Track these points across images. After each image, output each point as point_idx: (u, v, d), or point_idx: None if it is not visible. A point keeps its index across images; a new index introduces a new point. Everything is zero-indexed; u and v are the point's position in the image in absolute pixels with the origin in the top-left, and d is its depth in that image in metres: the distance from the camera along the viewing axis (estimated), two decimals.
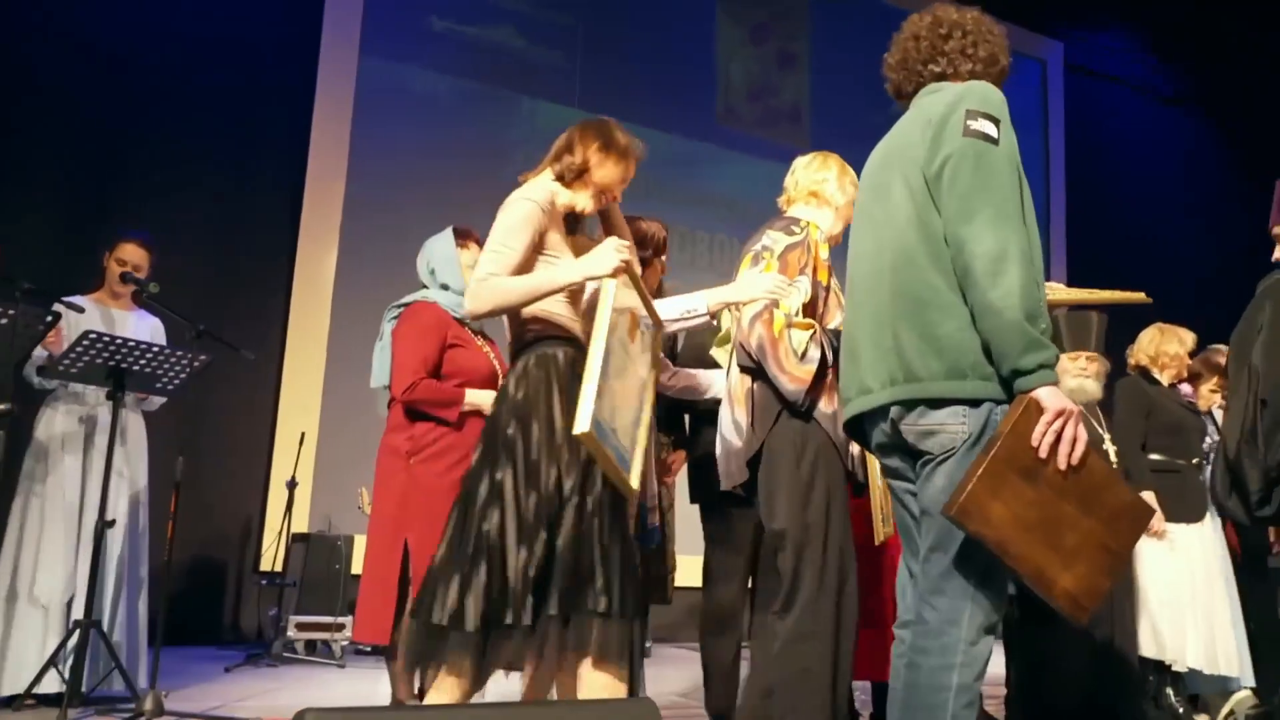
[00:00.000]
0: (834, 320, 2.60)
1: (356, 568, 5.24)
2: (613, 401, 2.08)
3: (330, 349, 5.92)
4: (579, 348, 2.25)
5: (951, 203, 1.74)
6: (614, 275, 2.14)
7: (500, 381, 3.09)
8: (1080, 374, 3.74)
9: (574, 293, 2.29)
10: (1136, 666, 3.35)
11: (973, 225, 1.71)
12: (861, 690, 3.35)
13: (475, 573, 2.05)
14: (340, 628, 4.92)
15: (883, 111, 7.59)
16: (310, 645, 4.97)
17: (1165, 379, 4.10)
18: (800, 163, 2.82)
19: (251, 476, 5.72)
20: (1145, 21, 9.52)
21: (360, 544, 5.26)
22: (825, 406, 2.46)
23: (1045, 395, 1.67)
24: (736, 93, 7.62)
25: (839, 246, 2.55)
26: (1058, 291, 2.52)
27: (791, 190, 2.79)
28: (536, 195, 2.25)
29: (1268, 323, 2.35)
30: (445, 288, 3.11)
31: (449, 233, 3.19)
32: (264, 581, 5.32)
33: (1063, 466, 1.68)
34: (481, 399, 3.02)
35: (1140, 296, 2.40)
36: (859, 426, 1.94)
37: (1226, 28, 9.45)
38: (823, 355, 2.44)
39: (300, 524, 5.52)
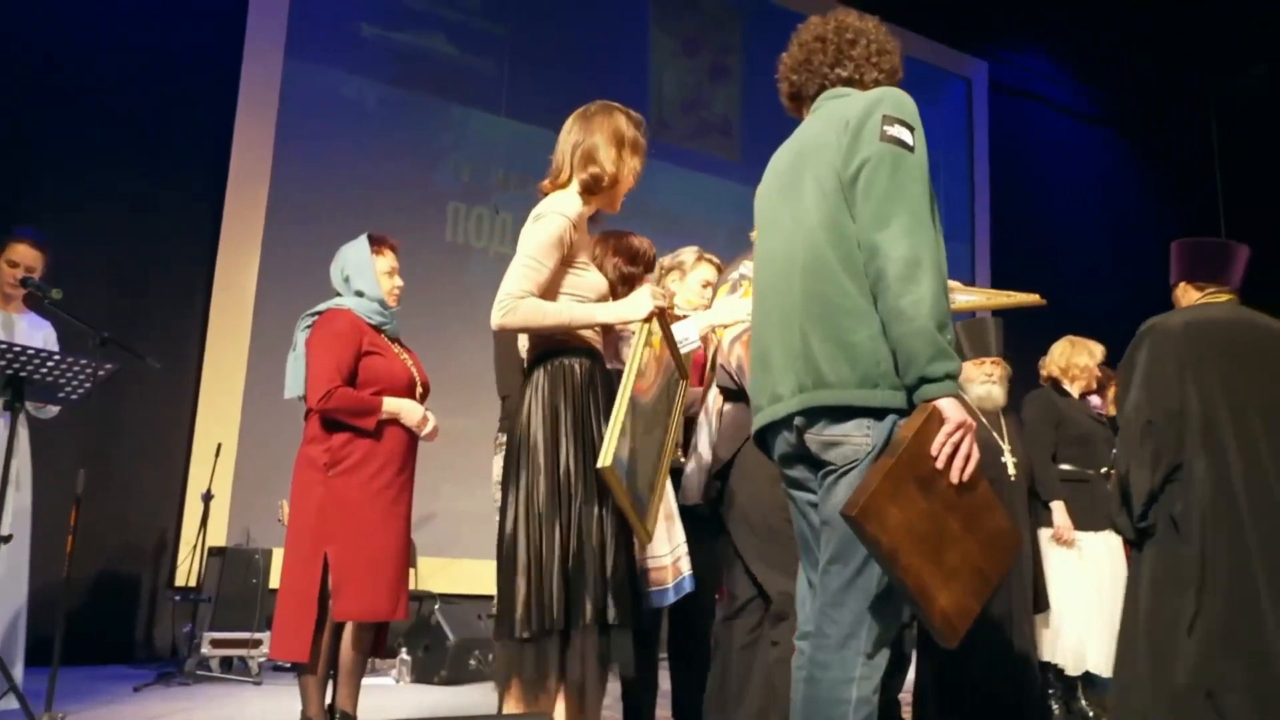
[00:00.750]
0: None
1: (275, 582, 5.12)
2: (633, 444, 2.12)
3: (251, 358, 5.78)
4: (597, 360, 2.32)
5: (867, 208, 1.74)
6: (647, 320, 2.21)
7: (419, 390, 3.08)
8: (987, 380, 3.81)
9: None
10: (1036, 670, 3.42)
11: (888, 231, 1.70)
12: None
13: (549, 580, 2.15)
14: (257, 644, 4.80)
15: None
16: (226, 663, 4.83)
17: (1075, 390, 4.21)
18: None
19: (167, 489, 5.55)
20: (1066, 45, 9.80)
21: (280, 558, 5.15)
22: None
23: (948, 406, 1.67)
24: (669, 104, 7.65)
25: None
26: (956, 290, 2.56)
27: None
28: (569, 210, 2.26)
29: (1143, 361, 2.68)
30: (360, 294, 3.05)
31: (364, 239, 3.13)
32: (178, 597, 5.16)
33: (955, 480, 1.67)
34: (400, 407, 2.97)
35: (1034, 299, 2.45)
36: (763, 435, 1.92)
37: (1140, 54, 9.78)
38: None
39: (218, 537, 5.37)
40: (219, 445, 5.33)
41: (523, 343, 2.46)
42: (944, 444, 1.66)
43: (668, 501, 2.56)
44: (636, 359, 2.15)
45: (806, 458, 1.82)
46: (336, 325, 2.96)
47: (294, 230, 5.97)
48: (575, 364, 2.27)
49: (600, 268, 2.60)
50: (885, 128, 1.77)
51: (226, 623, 4.81)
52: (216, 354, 5.72)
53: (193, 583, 5.15)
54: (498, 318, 2.21)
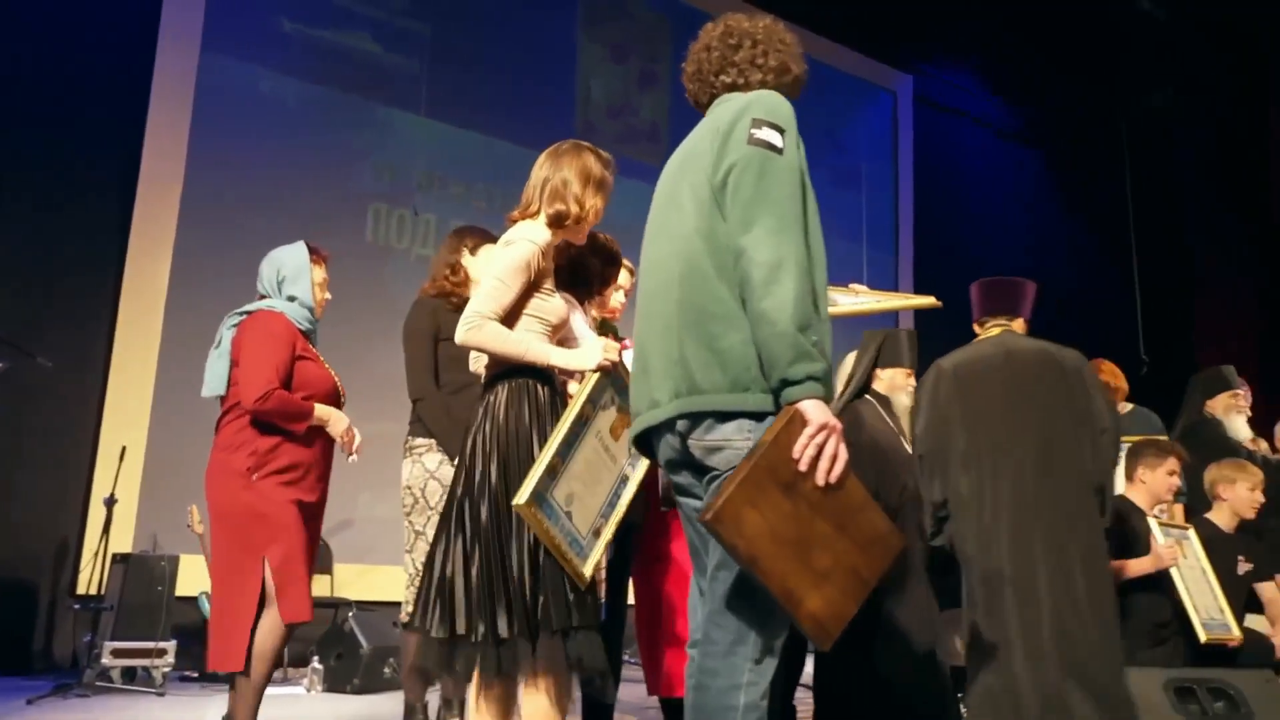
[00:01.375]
0: None
1: (182, 589, 5.00)
2: (571, 488, 2.26)
3: (162, 360, 5.61)
4: (554, 386, 2.43)
5: (734, 212, 1.74)
6: (596, 370, 2.38)
7: (341, 399, 3.03)
8: (903, 389, 3.87)
9: (557, 332, 2.46)
10: (947, 674, 3.48)
11: (752, 234, 1.71)
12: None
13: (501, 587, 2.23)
14: (162, 653, 4.65)
15: None
16: (128, 673, 4.67)
17: None
18: None
19: (69, 494, 5.36)
20: (989, 62, 10.05)
21: (188, 564, 5.02)
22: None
23: (810, 408, 1.66)
24: (596, 109, 7.65)
25: None
26: (861, 292, 2.59)
27: None
28: (538, 237, 2.39)
29: (922, 401, 3.21)
30: (292, 299, 2.99)
31: (302, 245, 3.08)
32: (78, 605, 4.98)
33: (821, 483, 1.66)
34: (329, 414, 2.94)
35: (930, 301, 2.49)
36: (648, 441, 1.92)
37: (1059, 73, 10.08)
38: None
39: (122, 544, 5.19)
40: (123, 448, 5.16)
41: (480, 358, 2.54)
42: (805, 445, 1.65)
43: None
44: (577, 405, 2.29)
45: (691, 463, 1.82)
46: (273, 326, 2.89)
47: (209, 230, 5.81)
48: (538, 386, 2.38)
49: (584, 265, 2.72)
50: (753, 131, 1.77)
51: (129, 632, 4.66)
52: (125, 355, 5.55)
53: (94, 590, 4.98)
54: (463, 334, 2.33)
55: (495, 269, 2.37)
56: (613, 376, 2.42)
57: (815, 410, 1.66)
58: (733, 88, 1.95)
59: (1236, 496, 3.97)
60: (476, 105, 6.92)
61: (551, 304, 2.45)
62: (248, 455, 2.81)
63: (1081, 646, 2.86)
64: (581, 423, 2.30)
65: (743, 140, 1.77)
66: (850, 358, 3.94)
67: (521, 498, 2.16)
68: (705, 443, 1.76)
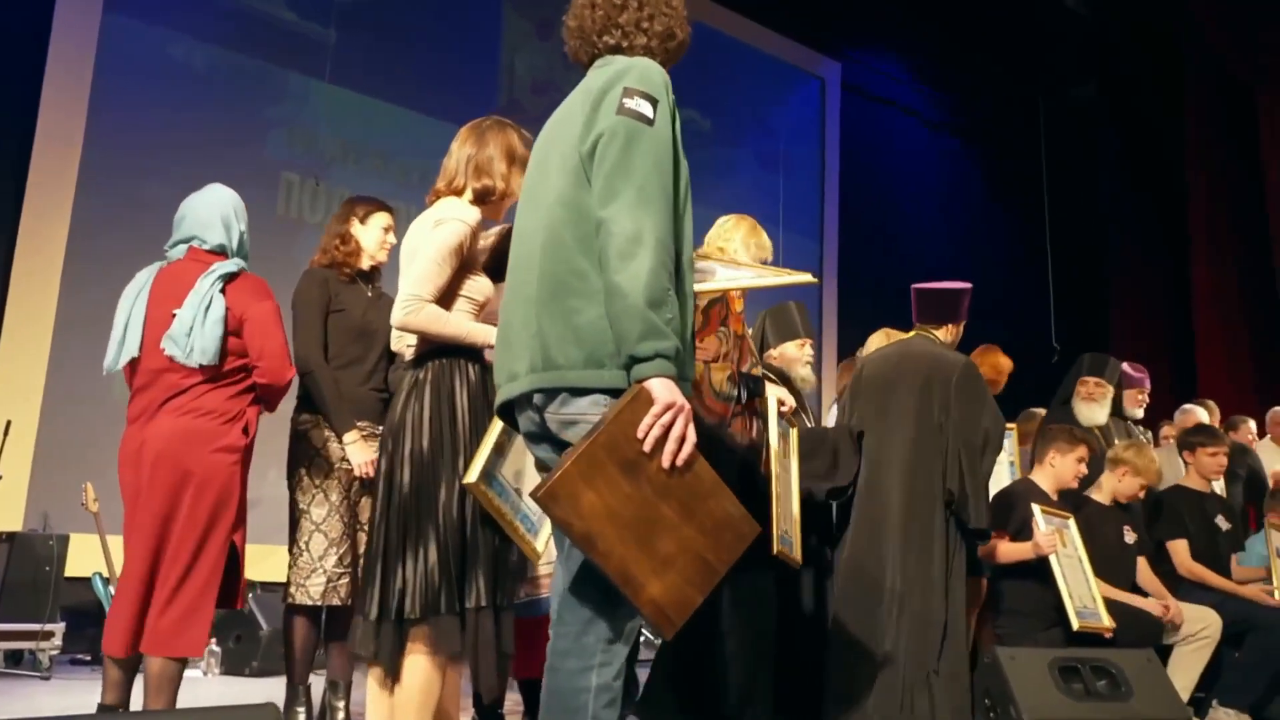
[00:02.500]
0: (748, 364, 3.01)
1: (73, 569, 4.82)
2: (519, 464, 2.30)
3: (56, 333, 5.39)
4: (484, 363, 2.42)
5: (598, 182, 1.70)
6: None
7: None
8: (809, 362, 3.90)
9: (483, 310, 2.46)
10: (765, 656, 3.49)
11: (612, 206, 1.67)
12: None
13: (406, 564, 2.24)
14: (48, 635, 4.48)
15: None
16: (13, 656, 4.50)
17: None
18: (717, 222, 3.17)
19: None
20: (916, 50, 10.14)
21: (80, 544, 4.83)
22: (741, 438, 2.86)
23: (657, 386, 1.62)
24: (521, 86, 7.53)
25: None
26: (742, 264, 2.59)
27: (705, 248, 3.10)
28: (469, 218, 2.40)
29: (851, 391, 3.56)
30: (245, 258, 2.82)
31: (233, 192, 2.88)
32: None
33: (666, 465, 1.61)
34: None
35: (807, 277, 2.50)
36: (511, 414, 1.88)
37: (985, 64, 10.22)
38: (738, 392, 2.86)
39: (11, 522, 4.99)
40: (8, 423, 4.95)
41: (404, 336, 2.51)
42: (650, 425, 1.60)
43: None
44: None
45: (550, 437, 1.79)
46: (273, 296, 2.79)
47: (108, 201, 5.59)
48: (468, 364, 2.39)
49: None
50: (625, 100, 1.72)
51: (14, 613, 4.48)
52: (14, 327, 5.32)
53: None
54: (401, 316, 2.32)
55: (429, 250, 2.35)
56: None
57: (662, 389, 1.62)
58: (615, 50, 1.89)
59: (1126, 482, 4.06)
60: (397, 77, 6.76)
61: (480, 283, 2.46)
62: (242, 432, 2.67)
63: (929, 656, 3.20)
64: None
65: (613, 109, 1.73)
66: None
67: (471, 476, 2.19)
68: (561, 416, 1.73)
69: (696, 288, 2.01)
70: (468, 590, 2.25)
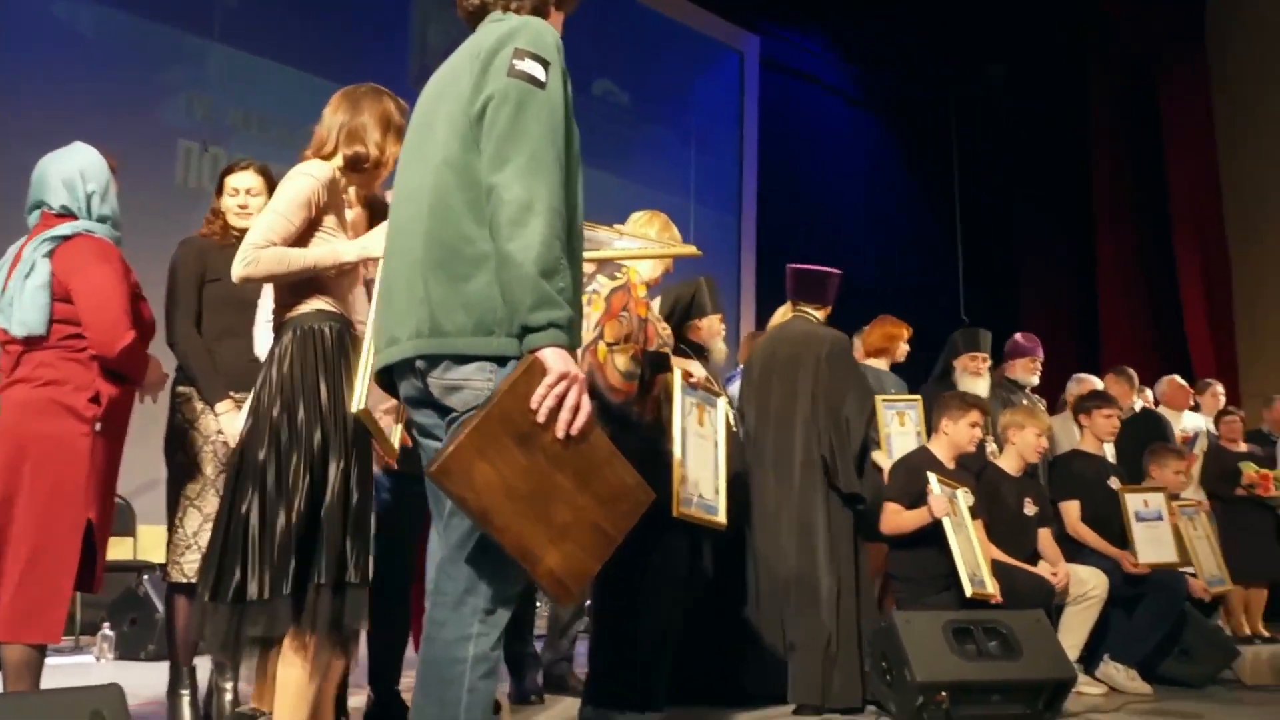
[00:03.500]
0: (655, 345, 3.13)
1: None
2: None
3: None
4: (346, 325, 2.34)
5: (488, 146, 1.65)
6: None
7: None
8: (718, 335, 3.91)
9: (343, 274, 2.36)
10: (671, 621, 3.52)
11: (504, 172, 1.62)
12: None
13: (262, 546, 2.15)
14: None
15: (583, 89, 7.54)
16: None
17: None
18: (631, 217, 3.27)
19: None
20: (834, 27, 10.20)
21: None
22: (648, 416, 3.02)
23: (550, 356, 1.59)
24: (432, 53, 7.36)
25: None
26: (626, 234, 2.58)
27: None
28: (319, 172, 2.31)
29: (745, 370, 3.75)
30: (104, 220, 2.60)
31: (94, 150, 2.66)
32: None
33: (561, 435, 1.59)
34: (157, 366, 2.69)
35: (691, 250, 2.50)
36: (390, 379, 1.83)
37: (900, 41, 10.33)
38: (642, 373, 2.98)
39: None
40: None
41: (266, 308, 2.46)
42: (544, 395, 1.58)
43: None
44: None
45: (432, 402, 1.75)
46: (110, 256, 2.54)
47: None
48: (325, 329, 2.29)
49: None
50: (515, 62, 1.67)
51: None
52: None
53: None
54: (240, 269, 2.23)
55: (274, 203, 2.29)
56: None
57: (556, 359, 1.59)
58: (506, 5, 1.83)
59: (1024, 442, 4.16)
60: (304, 44, 6.55)
61: (334, 243, 2.37)
62: (89, 401, 2.47)
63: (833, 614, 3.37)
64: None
65: (503, 71, 1.67)
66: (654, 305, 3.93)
67: (358, 404, 2.21)
68: (444, 382, 1.68)
69: (587, 256, 1.95)
70: (313, 569, 2.17)
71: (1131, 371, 6.26)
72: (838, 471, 3.50)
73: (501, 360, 1.66)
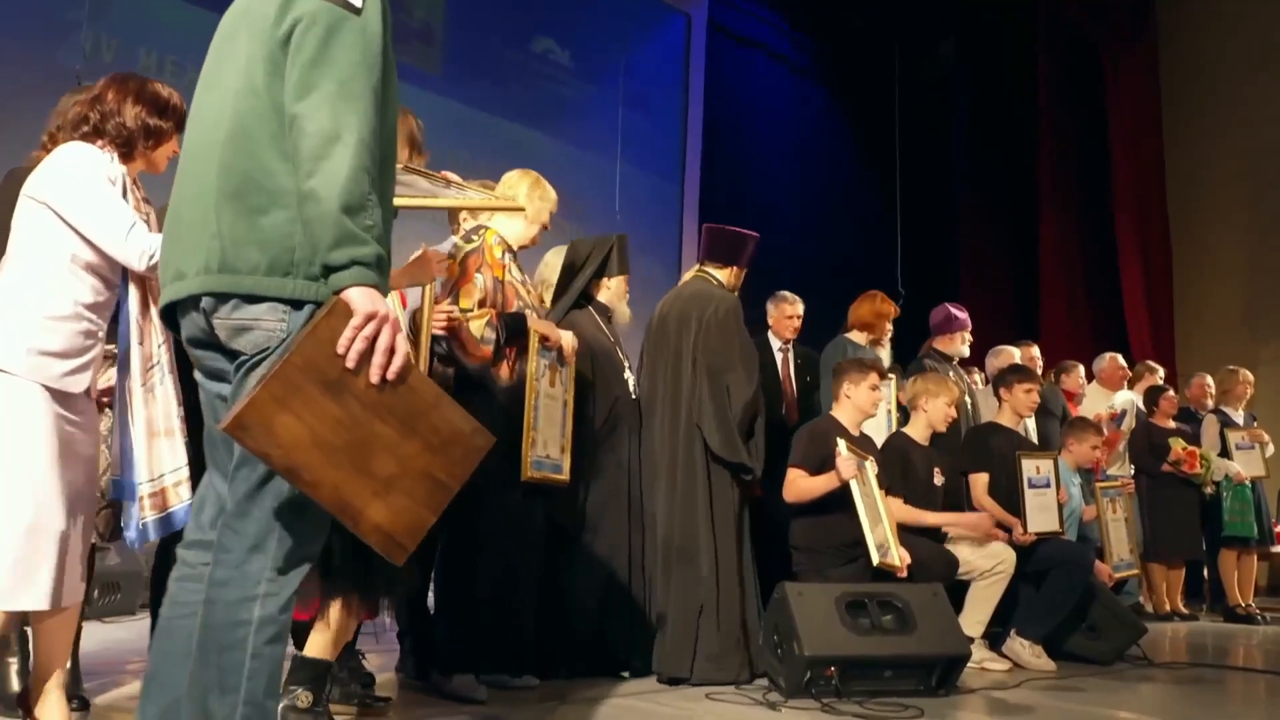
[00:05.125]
0: (515, 307, 3.13)
1: None
2: None
3: None
4: None
5: (293, 73, 1.52)
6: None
7: None
8: (625, 298, 3.78)
9: None
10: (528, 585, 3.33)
11: (308, 101, 1.49)
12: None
13: None
14: None
15: (522, 46, 7.24)
16: None
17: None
18: (504, 177, 3.27)
19: None
20: None
21: None
22: (508, 379, 3.02)
23: (356, 296, 1.47)
24: None
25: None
26: (453, 183, 2.40)
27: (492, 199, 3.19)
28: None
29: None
30: None
31: None
32: None
33: (376, 380, 1.47)
34: None
35: (515, 204, 2.38)
36: (172, 315, 1.66)
37: (853, 14, 10.18)
38: (497, 337, 2.99)
39: None
40: None
41: None
42: (352, 339, 1.45)
43: (169, 416, 2.23)
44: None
45: (217, 344, 1.59)
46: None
47: None
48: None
49: (118, 115, 2.35)
50: None
51: None
52: None
53: None
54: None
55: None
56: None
57: (363, 299, 1.47)
58: None
59: (934, 409, 4.05)
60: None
61: None
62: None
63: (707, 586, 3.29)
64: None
65: None
66: (553, 260, 3.75)
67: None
68: (232, 322, 1.54)
69: (396, 201, 1.87)
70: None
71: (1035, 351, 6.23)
72: (714, 436, 3.38)
73: (298, 304, 1.52)
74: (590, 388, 3.50)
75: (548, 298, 3.68)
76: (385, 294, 1.51)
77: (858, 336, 4.86)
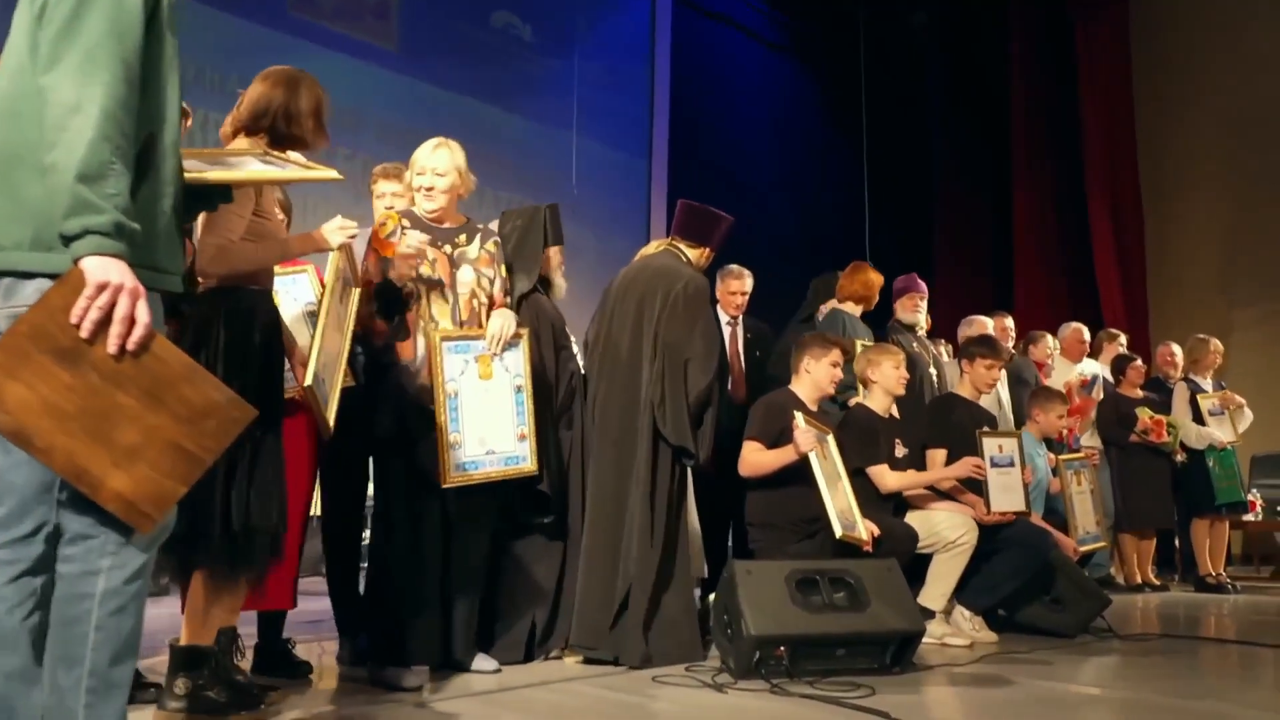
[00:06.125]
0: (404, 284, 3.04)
1: None
2: (321, 359, 2.52)
3: None
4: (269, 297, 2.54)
5: (41, 46, 1.53)
6: (340, 249, 2.63)
7: None
8: (560, 269, 3.67)
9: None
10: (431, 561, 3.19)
11: (54, 73, 1.50)
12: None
13: None
14: None
15: (481, 20, 7.03)
16: None
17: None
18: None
19: None
20: None
21: None
22: (405, 358, 2.96)
23: (91, 265, 1.45)
24: None
25: None
26: (272, 158, 2.32)
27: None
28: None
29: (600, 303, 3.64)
30: None
31: None
32: None
33: (114, 349, 1.47)
34: None
35: (332, 174, 2.30)
36: None
37: None
38: (390, 310, 2.97)
39: None
40: None
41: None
42: (86, 309, 1.45)
43: None
44: (331, 282, 2.59)
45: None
46: None
47: None
48: (256, 303, 2.46)
49: None
50: None
51: None
52: None
53: None
54: (208, 266, 2.37)
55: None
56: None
57: (97, 267, 1.46)
58: None
59: (884, 378, 3.96)
60: None
61: (270, 227, 2.59)
62: None
63: (639, 564, 3.21)
64: (331, 297, 2.60)
65: None
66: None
67: (309, 379, 2.42)
68: (8, 309, 1.53)
69: (219, 177, 1.96)
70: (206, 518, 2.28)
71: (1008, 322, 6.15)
72: (666, 417, 3.28)
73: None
74: (552, 366, 3.42)
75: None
76: (131, 263, 1.49)
77: (851, 308, 4.83)
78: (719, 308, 4.83)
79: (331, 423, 2.59)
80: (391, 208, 3.22)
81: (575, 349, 3.63)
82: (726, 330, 4.81)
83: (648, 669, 3.12)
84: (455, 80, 7.64)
